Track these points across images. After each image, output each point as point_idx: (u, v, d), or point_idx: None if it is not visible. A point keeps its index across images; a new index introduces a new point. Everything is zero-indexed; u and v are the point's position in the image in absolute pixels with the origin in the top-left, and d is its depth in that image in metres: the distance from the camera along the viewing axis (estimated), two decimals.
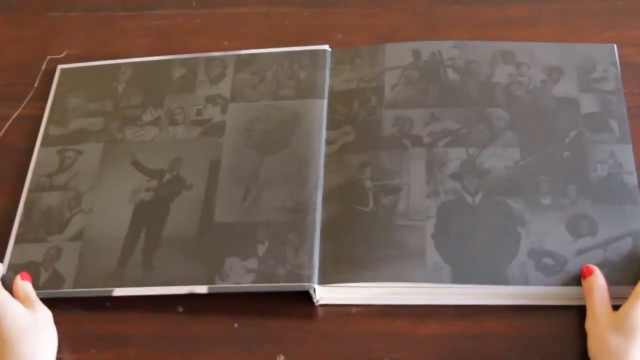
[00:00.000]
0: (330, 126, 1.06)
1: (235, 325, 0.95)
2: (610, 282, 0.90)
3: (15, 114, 1.14)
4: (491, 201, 0.97)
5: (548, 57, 1.08)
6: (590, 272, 0.91)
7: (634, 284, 0.88)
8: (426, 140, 1.02)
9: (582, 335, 0.90)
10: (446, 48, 1.10)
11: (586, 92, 1.04)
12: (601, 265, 0.92)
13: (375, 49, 1.11)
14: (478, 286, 0.92)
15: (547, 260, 0.93)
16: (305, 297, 0.95)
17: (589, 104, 1.03)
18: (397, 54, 1.10)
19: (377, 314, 0.94)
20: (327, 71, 1.11)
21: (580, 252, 0.93)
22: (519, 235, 0.95)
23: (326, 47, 1.13)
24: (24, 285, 0.96)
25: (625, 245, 0.93)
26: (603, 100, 1.03)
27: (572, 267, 0.92)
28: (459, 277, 0.93)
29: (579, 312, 0.91)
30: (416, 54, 1.10)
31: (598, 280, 0.90)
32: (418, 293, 0.94)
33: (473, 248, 0.95)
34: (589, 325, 0.88)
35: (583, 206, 0.96)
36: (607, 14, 1.14)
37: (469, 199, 0.98)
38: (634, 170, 0.98)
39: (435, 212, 0.97)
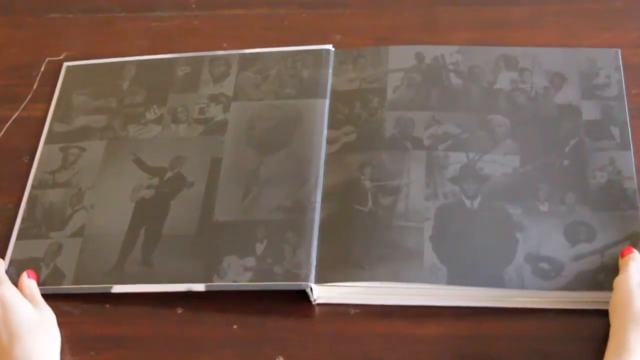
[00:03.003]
0: (332, 126, 1.06)
1: (235, 326, 0.95)
2: (608, 287, 0.89)
3: (15, 115, 1.14)
4: (490, 206, 0.97)
5: (551, 63, 1.07)
6: (629, 251, 0.91)
7: None
8: (427, 142, 1.02)
9: (580, 337, 0.90)
10: (449, 53, 1.10)
11: (588, 99, 1.04)
12: (598, 271, 0.92)
13: (379, 50, 1.11)
14: (474, 288, 0.92)
15: (544, 265, 0.93)
16: (304, 296, 0.95)
17: (590, 111, 1.03)
18: (401, 56, 1.10)
19: (376, 315, 0.94)
20: (330, 71, 1.11)
21: (577, 258, 0.93)
22: (517, 240, 0.95)
23: (329, 46, 1.13)
24: (30, 283, 0.97)
25: None
26: (605, 106, 1.03)
27: (569, 272, 0.92)
28: (455, 279, 0.93)
29: (577, 313, 0.91)
30: (419, 57, 1.10)
31: (636, 254, 0.91)
32: (416, 294, 0.94)
33: (470, 251, 0.95)
34: (618, 280, 0.88)
35: (581, 213, 0.96)
36: (606, 15, 1.14)
37: (467, 202, 0.98)
38: (634, 176, 0.98)
39: (433, 214, 0.97)
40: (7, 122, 1.14)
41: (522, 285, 0.92)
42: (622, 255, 0.91)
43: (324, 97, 1.08)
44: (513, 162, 1.00)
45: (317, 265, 0.95)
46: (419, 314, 0.94)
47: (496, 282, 0.92)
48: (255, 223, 0.99)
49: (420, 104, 1.06)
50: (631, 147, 1.00)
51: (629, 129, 1.01)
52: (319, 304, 0.95)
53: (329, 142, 1.05)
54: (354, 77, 1.10)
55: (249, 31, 1.19)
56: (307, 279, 0.94)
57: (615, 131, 1.01)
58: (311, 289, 0.94)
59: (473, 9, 1.17)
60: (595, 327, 0.90)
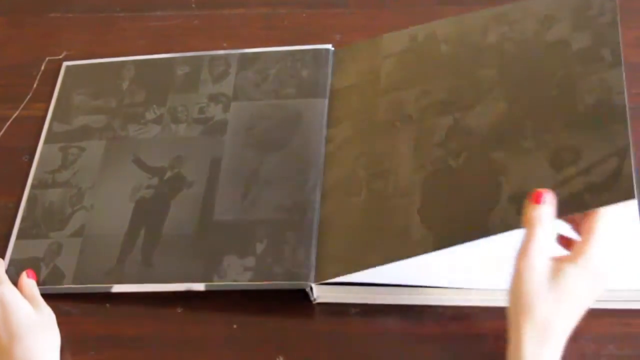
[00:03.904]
0: (331, 124, 1.06)
1: (235, 325, 0.95)
2: (594, 204, 0.83)
3: (15, 115, 1.15)
4: (473, 158, 0.93)
5: (543, 7, 1.02)
6: (539, 200, 0.82)
7: (620, 200, 0.82)
8: (415, 116, 1.00)
9: (580, 337, 0.89)
10: (442, 26, 1.07)
11: (580, 30, 0.98)
12: (584, 191, 0.85)
13: (375, 41, 1.10)
14: (459, 247, 0.88)
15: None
16: (304, 296, 0.95)
17: (581, 40, 0.96)
18: (395, 41, 1.09)
19: (376, 314, 0.94)
20: (329, 70, 1.11)
21: (563, 183, 0.86)
22: (500, 184, 0.90)
23: (329, 46, 1.13)
24: (29, 283, 0.97)
25: (610, 165, 0.85)
26: (596, 33, 0.97)
27: (559, 209, 0.84)
28: (441, 243, 0.89)
29: None
30: (412, 37, 1.08)
31: (547, 211, 0.82)
32: (416, 293, 0.93)
33: (455, 211, 0.91)
34: (517, 262, 0.80)
35: (567, 137, 0.90)
36: None
37: (453, 163, 0.94)
38: (624, 90, 0.90)
39: (420, 186, 0.94)
40: (7, 121, 1.14)
41: (506, 228, 0.86)
42: (531, 202, 0.82)
43: (323, 96, 1.08)
44: (500, 108, 0.95)
45: (316, 265, 0.95)
46: (419, 314, 0.94)
47: (480, 232, 0.88)
48: (255, 223, 0.99)
49: (410, 82, 1.04)
50: (622, 63, 0.92)
51: (621, 49, 0.94)
52: (319, 304, 0.95)
53: (328, 140, 1.04)
54: (351, 73, 1.09)
55: (249, 31, 1.20)
56: (307, 278, 0.94)
57: (606, 52, 0.94)
58: (311, 288, 0.94)
59: (472, 8, 1.16)
60: (596, 328, 0.90)
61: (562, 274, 0.79)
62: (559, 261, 0.80)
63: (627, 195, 0.82)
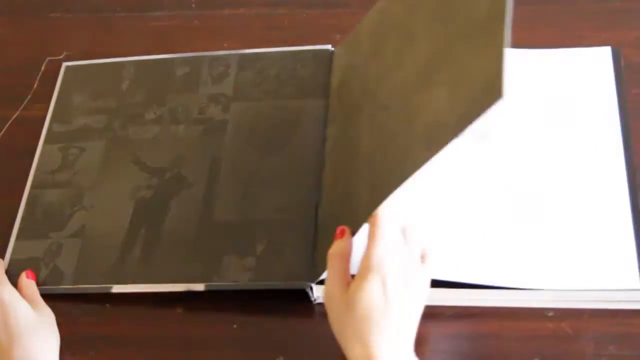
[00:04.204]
0: (329, 124, 1.06)
1: (235, 326, 0.95)
2: (475, 116, 0.76)
3: (15, 115, 1.15)
4: (401, 111, 0.89)
5: None
6: (342, 235, 0.86)
7: (491, 103, 0.74)
8: (371, 89, 0.98)
9: (580, 337, 0.90)
10: None
11: None
12: (471, 107, 0.77)
13: (358, 27, 1.07)
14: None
15: (431, 133, 0.82)
16: (304, 296, 0.95)
17: None
18: (369, 20, 1.05)
19: None
20: (329, 71, 1.11)
21: (453, 107, 0.80)
22: (414, 127, 0.85)
23: (329, 46, 1.13)
24: (29, 283, 0.97)
25: (488, 72, 0.76)
26: None
27: (452, 130, 0.79)
28: (373, 206, 0.85)
29: (577, 314, 0.91)
30: (381, 11, 1.02)
31: (345, 245, 0.85)
32: None
33: (385, 168, 0.88)
34: (324, 296, 0.84)
35: (462, 57, 0.82)
36: (605, 14, 1.13)
37: (389, 122, 0.91)
38: None
39: (371, 156, 0.92)
40: (7, 122, 1.14)
41: (415, 168, 0.82)
42: (335, 238, 0.86)
43: (323, 97, 1.08)
44: (424, 50, 0.89)
45: (316, 264, 0.95)
46: None
47: (397, 181, 0.83)
48: (255, 223, 0.99)
49: (373, 57, 1.00)
50: None
51: None
52: (319, 304, 0.95)
53: (327, 140, 1.04)
54: (343, 68, 1.09)
55: (249, 31, 1.20)
56: (307, 278, 0.94)
57: None
58: (311, 288, 0.94)
59: None
60: (596, 328, 0.90)
61: (351, 295, 0.80)
62: (351, 283, 0.82)
63: (497, 95, 0.74)
